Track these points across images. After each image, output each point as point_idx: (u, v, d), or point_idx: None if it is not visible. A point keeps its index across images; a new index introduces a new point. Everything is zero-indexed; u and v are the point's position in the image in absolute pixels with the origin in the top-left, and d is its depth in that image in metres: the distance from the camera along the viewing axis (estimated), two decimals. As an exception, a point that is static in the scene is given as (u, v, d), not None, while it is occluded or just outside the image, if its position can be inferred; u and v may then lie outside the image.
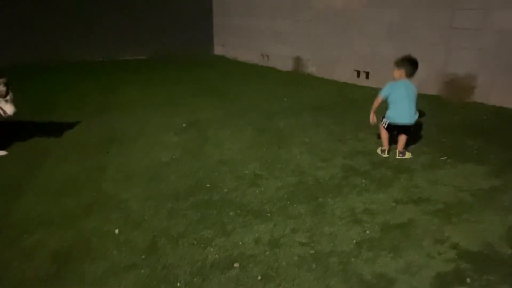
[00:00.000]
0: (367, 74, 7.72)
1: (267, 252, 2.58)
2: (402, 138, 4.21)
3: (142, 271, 2.39)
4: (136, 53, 11.30)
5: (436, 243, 2.67)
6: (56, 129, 4.90)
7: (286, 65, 9.66)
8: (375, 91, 6.99)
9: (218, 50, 12.39)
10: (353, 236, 2.75)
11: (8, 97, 4.06)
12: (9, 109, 4.06)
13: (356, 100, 6.60)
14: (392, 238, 2.74)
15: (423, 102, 6.31)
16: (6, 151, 4.21)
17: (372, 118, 4.29)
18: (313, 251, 2.58)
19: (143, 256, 2.53)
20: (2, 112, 4.06)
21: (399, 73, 4.19)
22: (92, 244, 2.65)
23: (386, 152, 4.23)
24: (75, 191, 3.39)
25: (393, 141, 4.27)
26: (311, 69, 9.02)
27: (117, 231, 2.80)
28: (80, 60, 10.41)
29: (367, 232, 2.80)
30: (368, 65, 7.68)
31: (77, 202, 3.20)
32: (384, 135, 4.26)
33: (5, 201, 3.20)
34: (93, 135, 4.78)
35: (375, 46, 7.45)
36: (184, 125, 5.23)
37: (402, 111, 4.11)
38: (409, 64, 4.17)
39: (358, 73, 7.91)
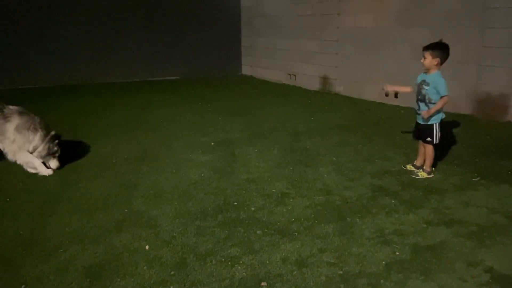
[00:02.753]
0: (395, 93, 7.64)
1: (295, 272, 2.57)
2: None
3: (172, 287, 2.43)
4: (168, 74, 11.63)
5: (469, 266, 2.59)
6: (90, 148, 5.08)
7: (313, 85, 9.70)
8: (404, 110, 6.96)
9: (246, 70, 12.59)
10: (383, 257, 2.70)
11: (57, 154, 4.28)
12: (54, 164, 4.29)
13: (384, 119, 6.54)
14: (423, 260, 2.67)
15: (454, 121, 6.21)
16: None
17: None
18: (341, 272, 2.55)
19: (172, 273, 2.57)
20: (47, 165, 4.27)
21: (435, 61, 3.83)
22: (123, 260, 2.71)
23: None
24: (107, 208, 3.49)
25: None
26: (339, 88, 9.02)
27: (147, 247, 2.85)
28: (112, 81, 10.80)
29: (397, 253, 2.75)
30: (397, 84, 7.60)
31: (109, 219, 3.29)
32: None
33: (42, 216, 3.33)
34: (124, 153, 4.92)
35: (403, 65, 7.40)
36: (212, 144, 5.31)
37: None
38: (446, 53, 3.80)
39: (387, 92, 7.83)
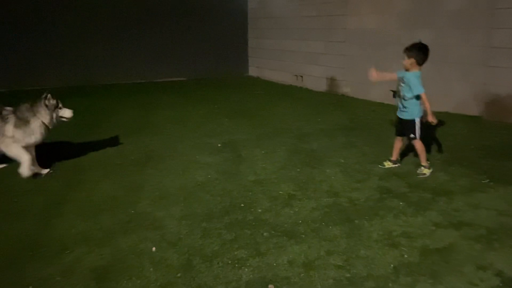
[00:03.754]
0: (394, 93, 7.60)
1: (302, 274, 2.54)
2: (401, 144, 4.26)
3: (177, 289, 2.42)
4: (174, 75, 11.65)
5: (478, 270, 2.55)
6: (95, 149, 5.09)
7: (320, 86, 9.67)
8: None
9: (252, 71, 12.58)
10: (391, 260, 2.67)
11: (60, 105, 4.37)
12: (68, 113, 4.42)
13: (391, 121, 6.48)
14: (431, 263, 2.64)
15: (463, 122, 6.16)
16: (50, 169, 4.39)
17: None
18: (349, 275, 2.52)
19: (178, 275, 2.56)
20: (65, 119, 4.40)
21: (410, 61, 3.97)
22: (129, 261, 2.70)
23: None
24: (113, 209, 3.49)
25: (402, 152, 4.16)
26: (345, 89, 8.98)
27: (153, 249, 2.84)
28: (119, 82, 10.84)
29: (405, 256, 2.71)
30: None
31: (115, 220, 3.28)
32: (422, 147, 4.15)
33: (48, 217, 3.33)
34: (130, 154, 4.92)
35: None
36: (218, 145, 5.30)
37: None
38: (421, 52, 3.94)
39: (394, 93, 7.79)
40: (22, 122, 4.08)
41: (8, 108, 4.16)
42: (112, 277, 2.53)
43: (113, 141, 5.45)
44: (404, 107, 4.11)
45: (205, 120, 6.75)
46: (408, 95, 4.02)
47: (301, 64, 10.28)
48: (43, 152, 4.57)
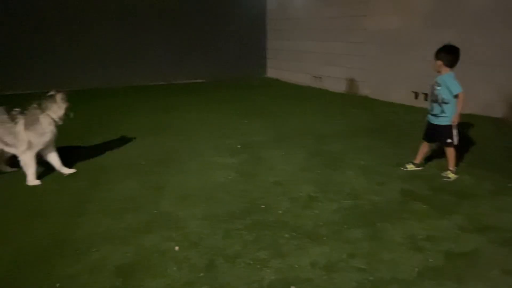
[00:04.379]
0: (425, 95, 7.49)
1: (324, 277, 2.54)
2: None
3: (201, 289, 2.45)
4: (194, 77, 11.75)
5: (505, 275, 2.51)
6: (118, 150, 5.18)
7: (339, 87, 9.61)
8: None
9: (271, 73, 12.59)
10: (415, 263, 2.64)
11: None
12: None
13: (413, 122, 6.40)
14: (456, 267, 2.60)
15: (487, 124, 6.04)
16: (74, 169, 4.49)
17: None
18: (372, 278, 2.51)
19: (201, 274, 2.58)
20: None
21: (438, 63, 4.00)
22: (153, 260, 2.74)
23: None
24: (136, 208, 3.54)
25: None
26: (365, 90, 8.91)
27: (176, 248, 2.88)
28: (140, 84, 11.00)
29: (430, 260, 2.68)
30: (427, 86, 7.45)
31: (138, 219, 3.33)
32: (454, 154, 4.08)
33: (74, 216, 3.41)
34: (152, 155, 4.99)
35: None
36: (238, 146, 5.32)
37: None
38: (447, 54, 3.95)
39: (416, 94, 7.70)
40: (32, 121, 4.09)
41: (16, 109, 4.19)
42: (137, 275, 2.58)
43: (135, 142, 5.54)
44: (442, 112, 3.98)
45: (224, 122, 6.79)
46: (447, 97, 3.93)
47: (320, 65, 10.24)
48: (67, 153, 4.68)
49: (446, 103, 3.95)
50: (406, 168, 4.32)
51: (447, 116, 3.97)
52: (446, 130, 4.00)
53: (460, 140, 4.09)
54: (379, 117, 6.90)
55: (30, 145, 4.08)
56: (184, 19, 11.37)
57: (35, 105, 4.20)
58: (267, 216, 3.38)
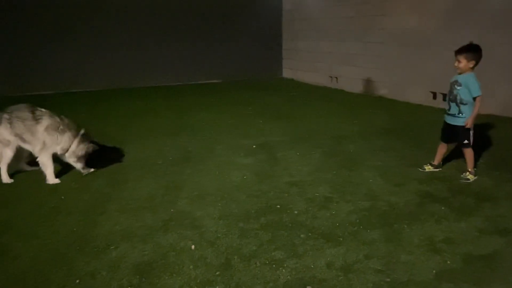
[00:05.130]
0: (444, 95, 7.39)
1: (340, 277, 2.53)
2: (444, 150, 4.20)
3: (217, 287, 2.46)
4: (209, 77, 11.83)
5: (526, 279, 2.46)
6: (135, 150, 5.24)
7: (355, 87, 9.55)
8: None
9: (287, 73, 12.58)
10: (433, 265, 2.61)
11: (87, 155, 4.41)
12: (82, 168, 4.39)
13: (431, 123, 6.31)
14: (475, 270, 2.56)
15: (508, 125, 5.92)
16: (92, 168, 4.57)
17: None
18: (389, 279, 2.49)
19: (217, 273, 2.61)
20: (75, 167, 4.40)
21: (471, 64, 3.89)
22: (170, 259, 2.78)
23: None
24: (153, 207, 3.59)
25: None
26: (383, 91, 8.83)
27: (193, 247, 2.91)
28: (157, 84, 11.12)
29: (448, 262, 2.65)
30: (445, 86, 7.33)
31: (156, 218, 3.38)
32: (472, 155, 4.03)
33: (94, 214, 3.47)
34: (169, 155, 5.04)
35: (450, 67, 7.12)
36: (254, 146, 5.34)
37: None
38: (480, 52, 3.87)
39: (434, 94, 7.60)
40: (55, 128, 4.18)
41: (43, 109, 4.28)
42: (154, 273, 2.61)
43: (152, 142, 5.61)
44: (460, 112, 3.94)
45: (240, 122, 6.81)
46: (466, 97, 3.89)
47: (336, 65, 10.19)
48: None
49: (464, 104, 3.91)
50: (424, 169, 4.27)
51: (465, 117, 3.92)
52: (463, 131, 3.95)
53: (475, 141, 4.05)
54: (396, 118, 6.83)
55: (44, 146, 4.16)
56: (200, 20, 11.44)
57: (67, 119, 4.30)
58: (282, 216, 3.38)
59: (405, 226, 3.14)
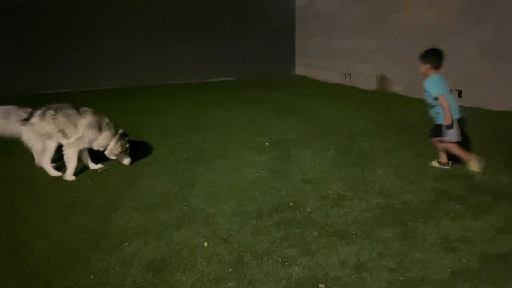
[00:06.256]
0: (459, 92, 7.27)
1: (353, 276, 2.51)
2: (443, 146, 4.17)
3: (230, 284, 2.47)
4: (223, 75, 11.86)
5: (545, 279, 2.40)
6: (149, 147, 5.29)
7: (369, 84, 9.46)
8: (469, 110, 6.59)
9: (300, 70, 12.52)
10: (448, 264, 2.58)
11: (127, 151, 4.61)
12: (127, 161, 4.60)
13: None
14: (492, 269, 2.52)
15: (526, 122, 5.79)
16: (105, 165, 4.62)
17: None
18: (402, 278, 2.46)
19: (230, 270, 2.61)
20: (121, 162, 4.60)
21: (426, 67, 4.11)
22: (183, 255, 2.79)
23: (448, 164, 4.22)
24: (167, 204, 3.62)
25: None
26: (397, 88, 8.72)
27: (206, 244, 2.92)
28: (170, 82, 11.19)
29: (464, 261, 2.61)
30: (461, 83, 7.23)
31: (169, 215, 3.40)
32: (459, 149, 4.06)
33: (108, 211, 3.52)
34: (183, 152, 5.07)
35: (467, 64, 7.01)
36: (267, 144, 5.33)
37: (454, 105, 4.05)
38: (435, 57, 4.09)
39: (450, 91, 7.45)
40: (96, 125, 4.30)
41: (86, 108, 4.39)
42: (167, 270, 2.63)
43: (167, 139, 5.65)
44: (436, 113, 4.11)
45: (253, 119, 6.81)
46: (431, 101, 4.09)
47: (350, 62, 10.10)
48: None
49: (433, 106, 4.11)
50: (431, 163, 4.32)
51: (442, 115, 4.01)
52: (437, 129, 4.12)
53: (462, 135, 4.14)
54: (411, 115, 6.74)
55: (79, 139, 4.26)
56: (213, 18, 11.46)
57: (108, 119, 4.45)
58: (295, 213, 3.37)
59: (420, 224, 3.10)
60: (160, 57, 11.09)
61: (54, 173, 4.35)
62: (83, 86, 10.32)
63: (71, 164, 4.30)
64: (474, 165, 3.97)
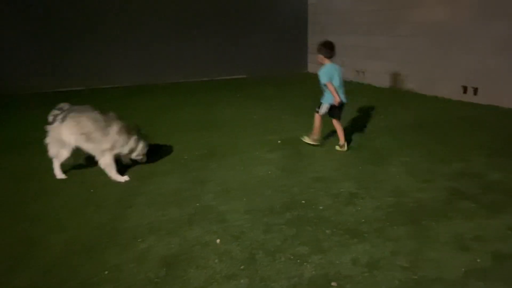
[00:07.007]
0: (475, 90, 7.17)
1: (366, 274, 2.51)
2: (339, 126, 4.91)
3: (242, 281, 2.49)
4: (235, 73, 11.88)
5: (561, 279, 2.37)
6: (161, 145, 5.33)
7: (382, 82, 9.38)
8: (485, 108, 6.51)
9: (312, 68, 12.47)
10: (461, 263, 2.55)
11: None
12: (144, 159, 4.56)
13: (461, 118, 6.15)
14: (506, 269, 2.49)
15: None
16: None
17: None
18: (415, 277, 2.45)
19: (242, 267, 2.63)
20: (137, 160, 4.55)
21: (319, 58, 4.74)
22: (195, 252, 2.82)
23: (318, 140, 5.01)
24: (179, 202, 3.65)
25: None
26: (410, 85, 8.64)
27: (218, 241, 2.95)
28: (183, 80, 11.25)
29: (478, 260, 2.58)
30: (477, 80, 7.13)
31: (182, 212, 3.43)
32: (319, 123, 4.90)
33: (122, 208, 3.56)
34: (195, 150, 5.10)
35: (484, 60, 6.91)
36: (278, 141, 5.34)
37: (341, 90, 4.75)
38: (327, 48, 4.70)
39: (465, 89, 7.37)
40: (126, 131, 4.25)
41: (111, 113, 4.32)
42: (180, 266, 2.66)
43: (179, 137, 5.69)
44: (323, 96, 4.87)
45: (265, 117, 6.81)
46: (322, 86, 4.80)
47: (363, 59, 10.02)
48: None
49: (325, 90, 4.80)
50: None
51: (324, 97, 4.86)
52: (321, 105, 4.89)
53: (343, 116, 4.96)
54: (424, 112, 6.67)
55: (112, 147, 4.19)
56: (225, 16, 11.48)
57: (135, 126, 4.43)
58: (307, 211, 3.37)
59: (433, 223, 3.08)
60: (172, 55, 11.15)
61: (59, 175, 4.33)
62: (93, 84, 10.45)
63: (112, 170, 4.23)
64: (307, 138, 5.01)
